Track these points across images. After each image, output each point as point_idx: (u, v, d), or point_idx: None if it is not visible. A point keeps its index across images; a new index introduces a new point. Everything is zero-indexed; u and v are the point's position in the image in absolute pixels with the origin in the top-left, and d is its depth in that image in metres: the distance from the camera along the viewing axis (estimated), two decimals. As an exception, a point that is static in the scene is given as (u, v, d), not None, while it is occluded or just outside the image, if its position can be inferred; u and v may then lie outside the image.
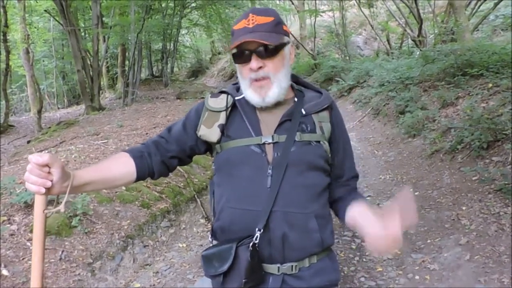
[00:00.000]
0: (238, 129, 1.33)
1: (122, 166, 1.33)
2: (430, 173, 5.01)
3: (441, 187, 4.49)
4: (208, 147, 1.42)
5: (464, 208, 3.87)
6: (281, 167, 1.25)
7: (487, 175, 4.08)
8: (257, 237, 1.21)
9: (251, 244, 1.20)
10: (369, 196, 4.79)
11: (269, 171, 1.25)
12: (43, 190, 1.08)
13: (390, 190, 4.96)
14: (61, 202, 1.19)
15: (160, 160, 1.39)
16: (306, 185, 1.27)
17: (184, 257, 3.76)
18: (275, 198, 1.23)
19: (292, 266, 1.27)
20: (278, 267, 1.26)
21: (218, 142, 1.35)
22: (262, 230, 1.21)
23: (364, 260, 3.51)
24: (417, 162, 5.58)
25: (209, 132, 1.34)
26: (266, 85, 1.28)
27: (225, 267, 1.20)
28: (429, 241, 3.58)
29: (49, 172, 1.08)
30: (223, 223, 1.32)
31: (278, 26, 1.29)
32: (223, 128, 1.34)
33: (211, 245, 1.35)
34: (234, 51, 1.28)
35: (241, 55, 1.28)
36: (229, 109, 1.36)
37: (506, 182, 3.79)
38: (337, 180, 1.41)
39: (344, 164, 1.41)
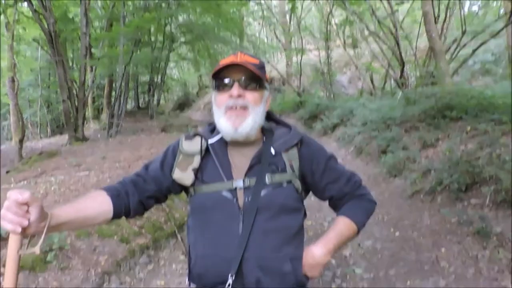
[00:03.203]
0: (211, 173, 1.34)
1: (99, 205, 1.32)
2: (410, 213, 5.05)
3: (421, 228, 4.53)
4: (184, 188, 1.43)
5: (443, 250, 3.89)
6: (251, 212, 1.26)
7: (466, 218, 4.13)
8: (229, 284, 1.21)
9: None
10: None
11: (240, 216, 1.27)
12: (19, 230, 1.04)
13: (371, 230, 4.96)
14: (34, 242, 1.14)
15: (138, 199, 1.38)
16: (279, 228, 1.28)
17: (162, 296, 3.67)
18: (247, 243, 1.23)
19: None
20: None
21: (192, 185, 1.36)
22: (234, 277, 1.21)
23: (344, 301, 3.47)
24: (398, 202, 5.62)
25: (184, 176, 1.36)
26: (242, 115, 1.30)
27: None
28: (408, 282, 3.57)
29: (27, 211, 1.05)
30: (199, 269, 1.32)
31: (262, 69, 1.35)
32: (197, 172, 1.35)
33: None
34: (217, 78, 1.33)
35: (224, 82, 1.31)
36: (203, 152, 1.37)
37: (484, 225, 3.84)
38: (333, 201, 1.46)
39: (332, 188, 1.42)
